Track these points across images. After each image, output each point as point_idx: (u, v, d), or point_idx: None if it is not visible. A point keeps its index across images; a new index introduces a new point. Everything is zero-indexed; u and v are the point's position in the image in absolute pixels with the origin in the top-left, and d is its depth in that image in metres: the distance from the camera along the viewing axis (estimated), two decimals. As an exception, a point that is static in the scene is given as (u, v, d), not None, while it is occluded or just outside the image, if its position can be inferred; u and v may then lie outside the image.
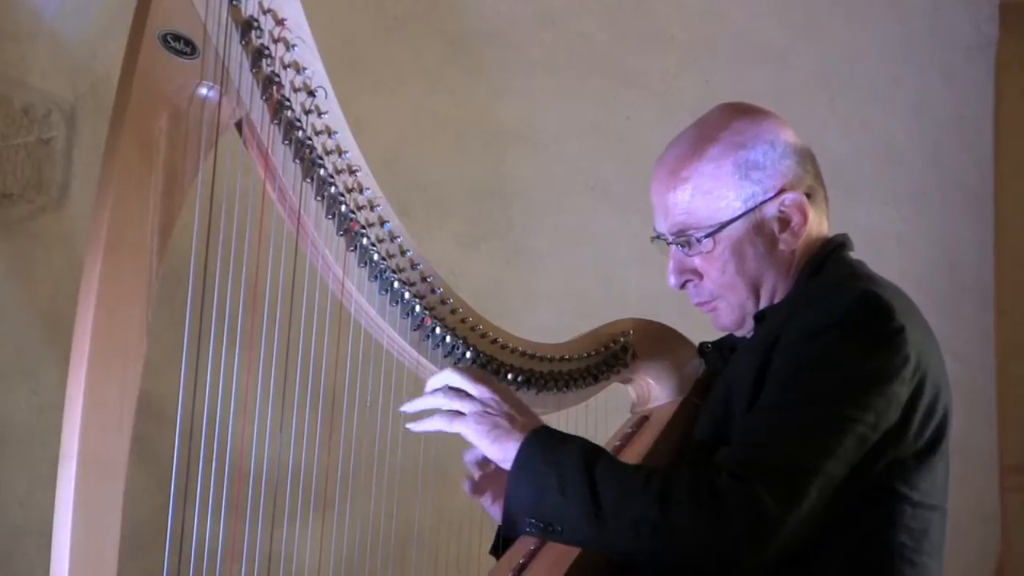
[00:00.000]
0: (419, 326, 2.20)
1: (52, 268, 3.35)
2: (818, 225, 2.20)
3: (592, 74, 3.97)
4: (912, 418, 2.00)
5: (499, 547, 2.31)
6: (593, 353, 2.38)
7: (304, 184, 2.08)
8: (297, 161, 2.07)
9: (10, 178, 3.36)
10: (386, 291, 2.18)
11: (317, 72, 2.07)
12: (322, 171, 2.09)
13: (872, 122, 4.22)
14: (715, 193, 2.15)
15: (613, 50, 3.99)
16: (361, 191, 2.14)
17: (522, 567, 2.18)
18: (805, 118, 3.83)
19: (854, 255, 2.22)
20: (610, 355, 2.40)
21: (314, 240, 2.11)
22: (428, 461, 2.40)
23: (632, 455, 2.28)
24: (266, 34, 2.00)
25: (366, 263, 2.16)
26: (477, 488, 2.29)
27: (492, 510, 2.32)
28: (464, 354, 2.23)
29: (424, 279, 2.22)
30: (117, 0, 3.19)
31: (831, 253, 2.18)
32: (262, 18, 2.00)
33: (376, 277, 2.17)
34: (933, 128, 4.28)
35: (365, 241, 2.15)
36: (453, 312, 2.24)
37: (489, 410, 2.06)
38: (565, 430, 2.13)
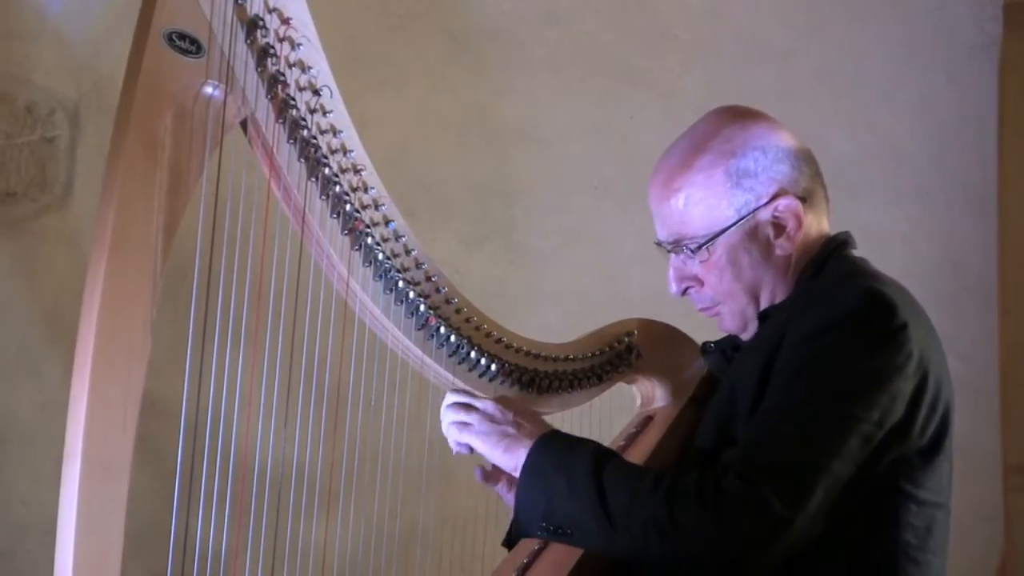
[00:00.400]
0: (423, 325, 2.20)
1: (56, 266, 3.35)
2: (817, 226, 2.19)
3: (596, 73, 3.97)
4: (916, 415, 2.00)
5: (511, 540, 2.30)
6: (597, 353, 2.38)
7: (309, 183, 2.08)
8: (302, 160, 2.06)
9: (14, 176, 3.37)
10: (391, 290, 2.18)
11: (322, 71, 2.07)
12: (327, 170, 2.08)
13: (876, 122, 4.22)
14: (707, 203, 2.15)
15: (617, 49, 3.99)
16: (366, 190, 2.14)
17: (526, 567, 2.18)
18: (809, 118, 3.85)
19: (857, 253, 2.22)
20: (614, 355, 2.39)
21: (319, 239, 2.11)
22: (432, 460, 2.40)
23: (636, 455, 2.28)
24: (271, 33, 2.00)
25: (371, 262, 2.16)
26: (489, 476, 2.27)
27: (508, 497, 2.31)
28: (468, 353, 2.23)
29: (428, 278, 2.22)
30: (122, -1, 3.19)
31: (833, 252, 2.18)
32: (267, 17, 2.00)
33: (381, 276, 2.17)
34: (937, 128, 4.28)
35: (370, 240, 2.15)
36: (457, 311, 2.24)
37: (497, 419, 2.09)
38: (569, 430, 2.13)
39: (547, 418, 2.26)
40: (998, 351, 4.23)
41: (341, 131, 2.10)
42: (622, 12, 4.01)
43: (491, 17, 3.87)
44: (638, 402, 2.51)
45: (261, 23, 1.99)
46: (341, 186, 2.11)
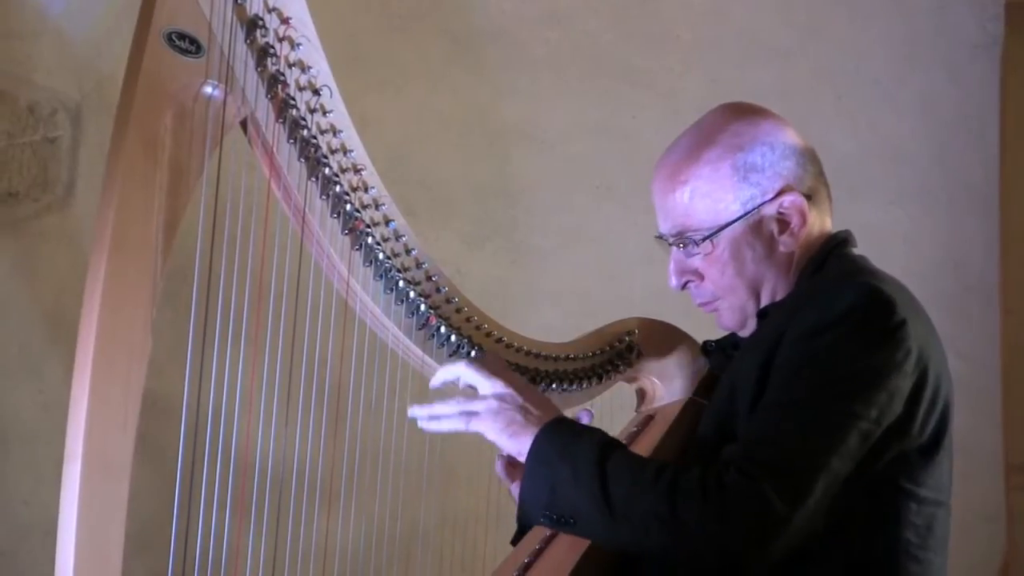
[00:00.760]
0: (424, 325, 2.20)
1: (57, 266, 3.35)
2: (820, 224, 2.20)
3: (597, 73, 3.97)
4: (916, 412, 2.00)
5: (519, 538, 2.29)
6: (598, 352, 2.38)
7: (309, 183, 2.08)
8: (302, 160, 2.06)
9: (15, 177, 3.37)
10: (391, 290, 2.18)
11: (322, 71, 2.07)
12: (327, 170, 2.08)
13: (877, 121, 4.22)
14: (713, 196, 2.15)
15: (618, 49, 3.99)
16: (366, 190, 2.14)
17: (527, 566, 2.18)
18: (810, 117, 3.84)
19: (858, 252, 2.22)
20: (615, 354, 2.39)
21: (319, 239, 2.11)
22: (433, 460, 2.40)
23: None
24: (271, 32, 2.00)
25: (371, 262, 2.16)
26: (510, 473, 2.25)
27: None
28: (469, 353, 2.23)
29: (429, 278, 2.22)
30: (122, -1, 3.19)
31: (833, 249, 2.18)
32: (267, 16, 2.00)
33: (381, 276, 2.17)
34: (938, 127, 4.28)
35: (370, 240, 2.15)
36: (458, 311, 2.24)
37: (504, 405, 2.06)
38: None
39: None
40: (999, 351, 4.23)
41: (341, 131, 2.10)
42: (623, 12, 4.01)
43: (492, 17, 3.87)
44: (639, 401, 2.50)
45: (261, 23, 1.99)
46: (341, 186, 2.11)
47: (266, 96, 2.01)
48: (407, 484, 2.73)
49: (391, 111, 3.71)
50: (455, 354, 2.22)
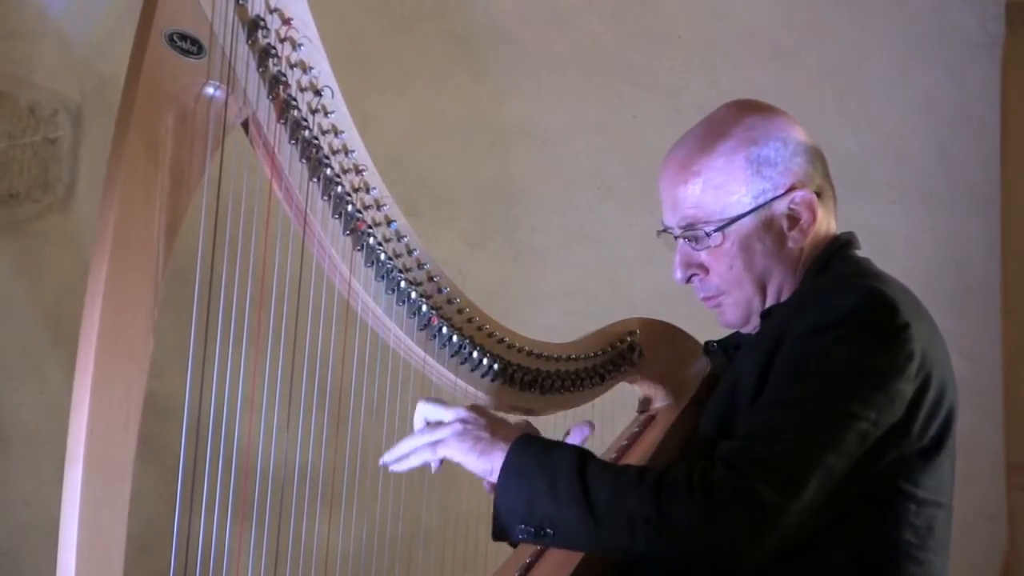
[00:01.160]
0: (425, 325, 2.20)
1: (58, 267, 3.35)
2: (826, 224, 2.20)
3: (599, 73, 3.97)
4: (916, 415, 2.00)
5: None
6: (600, 353, 2.38)
7: (311, 183, 2.07)
8: (304, 160, 2.06)
9: (16, 177, 3.37)
10: (393, 290, 2.18)
11: (324, 71, 2.07)
12: (328, 170, 2.08)
13: (878, 121, 4.22)
14: (726, 188, 2.15)
15: (620, 49, 3.99)
16: (368, 190, 2.14)
17: (529, 566, 2.18)
18: (812, 117, 3.81)
19: (860, 253, 2.22)
20: (617, 354, 2.39)
21: (320, 239, 2.11)
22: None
23: (638, 455, 2.28)
24: (272, 33, 2.00)
25: (373, 262, 2.15)
26: None
27: None
28: (471, 353, 2.23)
29: (431, 278, 2.21)
30: (123, -1, 3.19)
31: (837, 251, 2.18)
32: (268, 17, 2.00)
33: (383, 276, 2.17)
34: (940, 127, 4.28)
35: (372, 240, 2.14)
36: (460, 311, 2.24)
37: (469, 426, 2.05)
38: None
39: (550, 418, 2.26)
40: (1001, 351, 4.23)
41: (343, 131, 2.10)
42: (625, 12, 4.01)
43: (494, 18, 3.87)
44: (640, 402, 2.50)
45: (262, 23, 1.99)
46: (343, 186, 2.11)
47: (268, 97, 2.01)
48: (409, 485, 2.73)
49: (393, 111, 3.71)
50: (456, 355, 2.22)
